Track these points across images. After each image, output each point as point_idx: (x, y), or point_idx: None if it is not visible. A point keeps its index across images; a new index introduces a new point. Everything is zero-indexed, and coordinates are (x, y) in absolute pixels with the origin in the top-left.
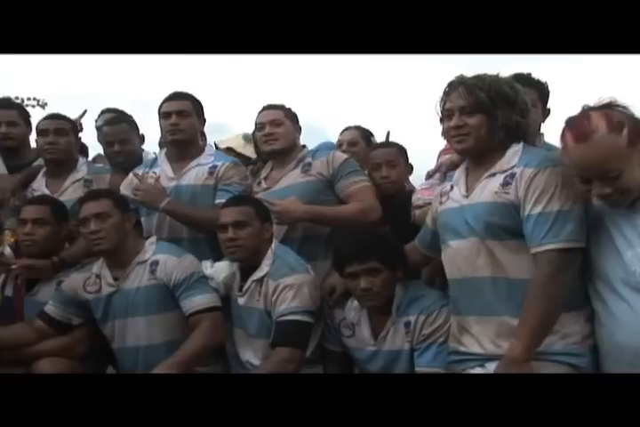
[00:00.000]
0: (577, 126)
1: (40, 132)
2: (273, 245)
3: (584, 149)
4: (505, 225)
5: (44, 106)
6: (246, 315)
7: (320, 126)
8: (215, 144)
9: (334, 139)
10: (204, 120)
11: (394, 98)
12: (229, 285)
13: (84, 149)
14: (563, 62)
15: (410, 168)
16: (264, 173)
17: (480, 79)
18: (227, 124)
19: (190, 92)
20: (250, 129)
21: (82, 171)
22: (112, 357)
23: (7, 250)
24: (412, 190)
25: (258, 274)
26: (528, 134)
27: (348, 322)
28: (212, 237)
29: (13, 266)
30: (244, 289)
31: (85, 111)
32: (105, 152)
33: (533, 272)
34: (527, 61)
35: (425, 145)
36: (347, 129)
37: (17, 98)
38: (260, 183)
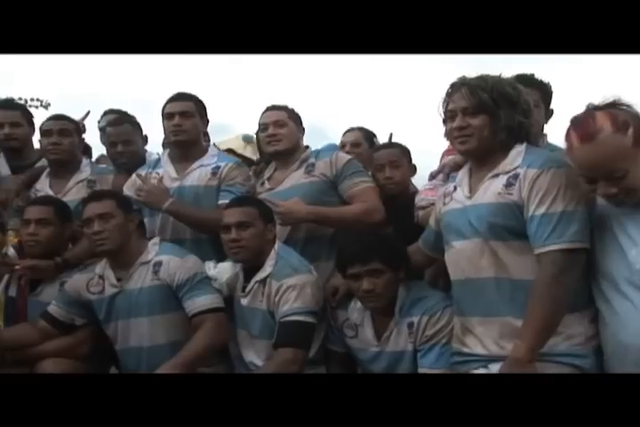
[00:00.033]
0: (582, 126)
1: (44, 133)
2: (276, 246)
3: (589, 150)
4: (508, 226)
5: (47, 106)
6: (249, 316)
7: (323, 127)
8: (215, 146)
9: (337, 140)
10: (208, 121)
11: (396, 99)
12: (232, 285)
13: (87, 150)
14: (563, 62)
15: (413, 169)
16: (267, 173)
17: (482, 80)
18: (229, 125)
19: (193, 92)
20: (252, 130)
21: (85, 171)
22: (115, 357)
23: (11, 250)
24: (415, 191)
25: (261, 275)
26: (531, 135)
27: (351, 323)
28: (215, 238)
29: (17, 266)
30: (247, 290)
31: (89, 112)
32: (108, 153)
33: (537, 273)
34: (527, 61)
35: (428, 146)
36: (349, 130)
37: (20, 99)
38: (263, 184)
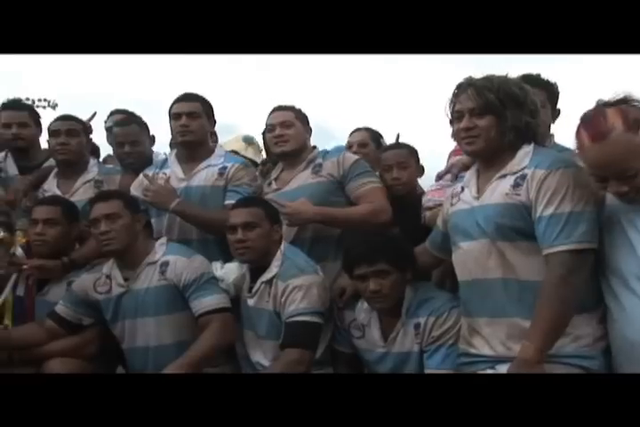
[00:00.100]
0: (593, 125)
1: (52, 133)
2: (282, 247)
3: (601, 149)
4: (516, 226)
5: (54, 107)
6: (256, 316)
7: (330, 127)
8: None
9: (344, 140)
10: (215, 121)
11: (403, 99)
12: (239, 286)
13: (95, 150)
14: (563, 62)
15: (421, 170)
16: (274, 174)
17: (489, 80)
18: (235, 126)
19: (199, 92)
20: (258, 130)
21: (92, 172)
22: (122, 357)
23: (19, 250)
24: (422, 192)
25: (267, 275)
26: (538, 135)
27: (358, 323)
28: (222, 239)
29: (24, 266)
30: (254, 290)
31: (95, 113)
32: (115, 153)
33: (545, 274)
34: (527, 62)
35: (434, 146)
36: (356, 130)
37: (28, 99)
38: (270, 184)
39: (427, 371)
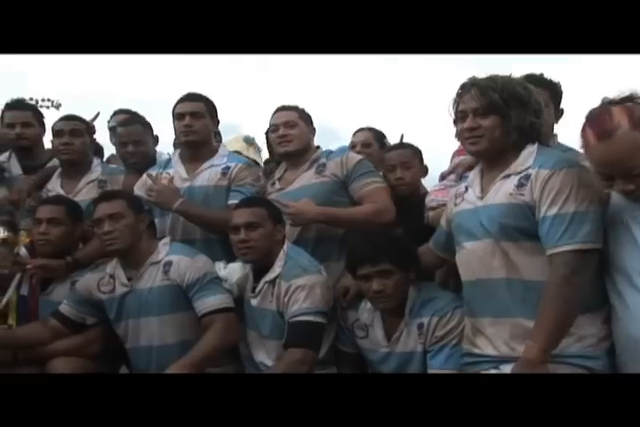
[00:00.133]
0: (598, 123)
1: (55, 133)
2: (285, 247)
3: (606, 147)
4: (520, 227)
5: (58, 107)
6: (259, 316)
7: (333, 128)
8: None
9: (347, 140)
10: (218, 121)
11: (406, 99)
12: (243, 286)
13: (99, 150)
14: (563, 62)
15: (425, 170)
16: (278, 173)
17: (492, 80)
18: (238, 125)
19: (202, 92)
20: (261, 130)
21: (96, 172)
22: (125, 356)
23: (23, 250)
24: (426, 192)
25: (270, 275)
26: (542, 135)
27: (362, 323)
28: (225, 239)
29: (28, 266)
30: (257, 290)
31: (98, 114)
32: (119, 153)
33: (549, 274)
34: (527, 62)
35: (437, 146)
36: (360, 130)
37: (31, 99)
38: (273, 184)
39: (430, 371)
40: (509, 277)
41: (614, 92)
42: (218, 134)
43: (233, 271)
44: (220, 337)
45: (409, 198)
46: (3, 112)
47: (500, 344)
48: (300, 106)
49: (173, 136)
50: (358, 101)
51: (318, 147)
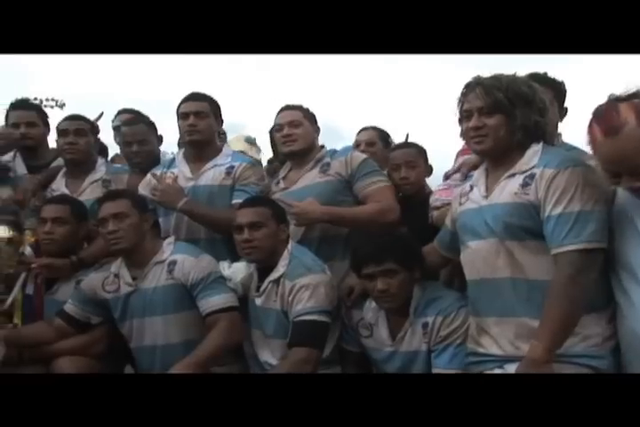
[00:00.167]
0: (605, 119)
1: (60, 133)
2: (289, 246)
3: (613, 144)
4: (524, 226)
5: (62, 106)
6: (263, 315)
7: (337, 127)
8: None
9: (351, 139)
10: (222, 121)
11: (411, 99)
12: (247, 285)
13: (103, 150)
14: (563, 62)
15: (429, 169)
16: (282, 173)
17: (497, 79)
18: (241, 125)
19: (205, 92)
20: (265, 129)
21: (100, 171)
22: (130, 356)
23: (28, 249)
24: (431, 191)
25: (274, 275)
26: (547, 134)
27: (366, 322)
28: (229, 238)
29: (33, 265)
30: (261, 290)
31: (102, 114)
32: (123, 152)
33: (554, 273)
34: (528, 62)
35: (442, 146)
36: (364, 129)
37: (35, 99)
38: (278, 183)
39: (434, 370)
40: (514, 276)
41: (617, 90)
42: (223, 134)
43: (237, 271)
44: (224, 336)
45: (413, 198)
46: (7, 112)
47: (504, 344)
48: (305, 105)
49: (177, 136)
50: (362, 101)
51: (323, 146)
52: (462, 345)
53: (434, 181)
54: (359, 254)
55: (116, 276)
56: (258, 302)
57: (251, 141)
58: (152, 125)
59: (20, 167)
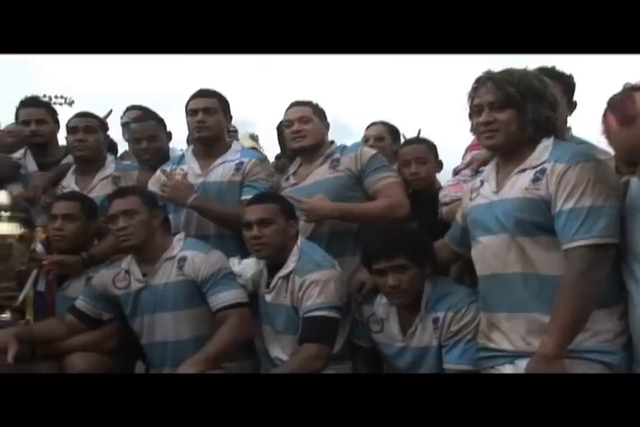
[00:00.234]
0: (620, 109)
1: (70, 130)
2: (299, 242)
3: (629, 133)
4: (535, 221)
5: (71, 104)
6: (274, 312)
7: (346, 123)
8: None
9: (360, 135)
10: (231, 117)
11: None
12: (257, 282)
13: (112, 147)
14: (563, 62)
15: (440, 165)
16: (292, 168)
17: (508, 74)
18: (251, 122)
19: (215, 88)
20: (273, 125)
21: (110, 168)
22: (141, 352)
23: (39, 246)
24: (441, 187)
25: (284, 271)
26: (558, 129)
27: (377, 318)
28: (239, 234)
29: (45, 262)
30: (271, 286)
31: (111, 111)
32: (132, 149)
33: (565, 269)
34: (537, 55)
35: (451, 141)
36: (373, 124)
37: (45, 96)
38: (288, 179)
39: (445, 366)
40: (525, 271)
41: (614, 89)
42: (235, 131)
43: (247, 267)
44: (234, 332)
45: (423, 193)
46: (17, 109)
47: (515, 339)
48: (314, 101)
49: (186, 132)
50: (372, 97)
51: (332, 142)
52: (473, 341)
53: (443, 177)
54: (370, 250)
55: (127, 272)
56: (268, 298)
57: (254, 138)
58: (161, 122)
59: (31, 164)
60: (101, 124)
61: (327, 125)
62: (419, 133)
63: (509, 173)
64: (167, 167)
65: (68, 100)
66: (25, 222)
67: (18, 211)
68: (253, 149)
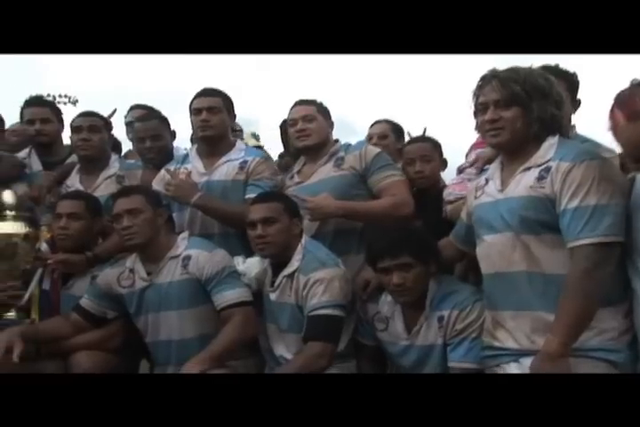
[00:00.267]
0: (628, 104)
1: (74, 130)
2: (303, 240)
3: (636, 128)
4: (540, 219)
5: (75, 103)
6: (278, 310)
7: (350, 121)
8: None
9: (364, 134)
10: (235, 116)
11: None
12: (261, 280)
13: (117, 146)
14: (566, 60)
15: (444, 163)
16: (297, 167)
17: (514, 72)
18: (255, 120)
19: (218, 87)
20: (277, 124)
21: (114, 167)
22: (146, 350)
23: (44, 246)
24: (445, 185)
25: (288, 269)
26: (563, 127)
27: (382, 316)
28: (243, 233)
29: (49, 261)
30: (276, 285)
31: (115, 110)
32: (136, 148)
33: (570, 267)
34: (533, 60)
35: (455, 140)
36: (377, 122)
37: (49, 95)
38: (292, 177)
39: (450, 364)
40: (530, 270)
41: (617, 87)
42: (240, 130)
43: (251, 266)
44: (238, 331)
45: (428, 192)
46: (22, 109)
47: (520, 337)
48: (318, 100)
49: (191, 131)
50: (376, 96)
51: (337, 140)
52: (478, 339)
53: (448, 175)
54: (374, 248)
55: (131, 271)
56: (272, 296)
57: (256, 137)
58: (165, 121)
59: (36, 164)
60: (105, 124)
61: (331, 124)
62: (424, 132)
63: (514, 172)
64: (171, 166)
65: (72, 100)
66: (30, 221)
67: (23, 210)
68: (258, 147)
